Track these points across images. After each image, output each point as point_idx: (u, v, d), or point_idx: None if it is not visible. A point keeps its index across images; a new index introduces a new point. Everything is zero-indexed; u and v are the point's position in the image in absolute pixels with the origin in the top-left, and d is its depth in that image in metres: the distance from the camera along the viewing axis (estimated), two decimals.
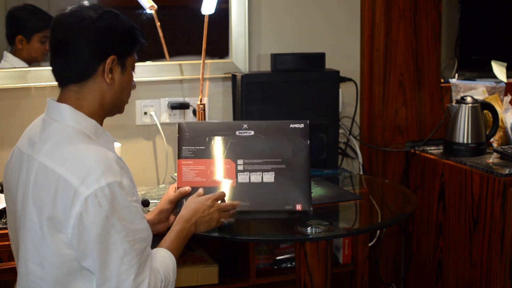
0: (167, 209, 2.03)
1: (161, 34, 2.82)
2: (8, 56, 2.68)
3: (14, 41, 2.69)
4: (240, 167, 2.04)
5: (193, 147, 2.05)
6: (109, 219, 1.59)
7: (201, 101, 2.79)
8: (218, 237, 2.11)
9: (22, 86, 2.67)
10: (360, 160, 3.14)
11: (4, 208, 2.32)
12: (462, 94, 3.03)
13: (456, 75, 3.25)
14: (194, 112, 2.87)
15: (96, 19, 1.69)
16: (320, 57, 2.89)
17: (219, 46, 2.94)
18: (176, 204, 2.04)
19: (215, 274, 2.69)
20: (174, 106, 2.88)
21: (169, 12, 2.88)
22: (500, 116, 2.97)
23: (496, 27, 3.34)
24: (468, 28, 3.25)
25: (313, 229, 2.02)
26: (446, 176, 2.91)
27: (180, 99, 2.91)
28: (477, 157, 2.87)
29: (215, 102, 2.95)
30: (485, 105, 2.94)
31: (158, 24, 2.81)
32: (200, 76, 2.79)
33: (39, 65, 2.69)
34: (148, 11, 2.79)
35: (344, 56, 3.12)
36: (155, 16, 2.80)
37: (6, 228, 2.22)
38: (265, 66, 2.97)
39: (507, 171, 2.67)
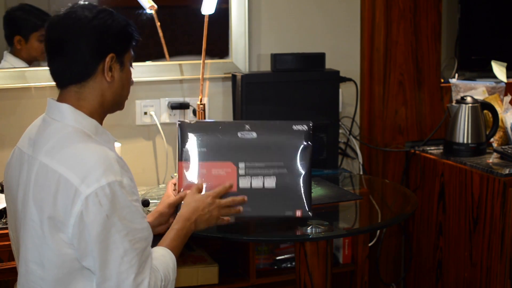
0: (167, 212, 2.01)
1: (161, 34, 2.83)
2: (8, 57, 2.68)
3: (13, 41, 2.69)
4: (241, 171, 2.00)
5: (194, 149, 2.01)
6: (110, 218, 1.59)
7: (201, 101, 2.79)
8: (218, 237, 2.11)
9: (22, 86, 2.67)
10: (360, 160, 3.14)
11: (4, 208, 2.33)
12: (462, 94, 3.03)
13: (456, 75, 3.25)
14: (194, 112, 2.87)
15: (92, 18, 1.69)
16: (320, 57, 2.89)
17: (219, 46, 2.94)
18: (176, 207, 2.03)
19: (215, 274, 2.69)
20: (174, 106, 2.88)
21: (169, 12, 2.88)
22: (500, 116, 2.97)
23: (496, 27, 3.34)
24: (468, 28, 3.25)
25: (313, 229, 2.02)
26: (446, 176, 2.91)
27: (180, 99, 2.91)
28: (477, 157, 2.87)
29: (215, 102, 2.95)
30: (485, 105, 2.94)
31: (158, 24, 2.81)
32: (200, 76, 2.79)
33: (39, 65, 2.69)
34: (148, 11, 2.79)
35: (344, 56, 3.12)
36: (155, 16, 2.80)
37: (6, 228, 2.23)
38: (265, 66, 2.97)
39: (507, 171, 2.67)
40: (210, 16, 2.73)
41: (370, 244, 3.04)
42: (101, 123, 1.76)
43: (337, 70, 2.92)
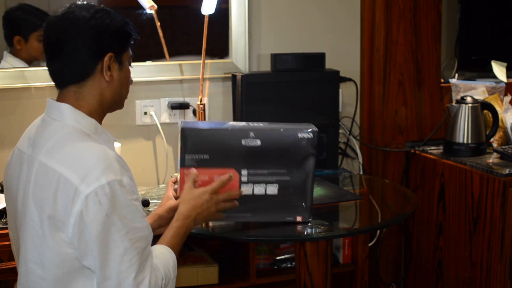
0: (166, 216, 1.98)
1: (161, 34, 2.83)
2: (7, 57, 2.68)
3: (12, 42, 2.69)
4: (244, 178, 1.96)
5: (196, 156, 1.94)
6: (110, 217, 1.59)
7: (201, 101, 2.79)
8: (218, 237, 2.11)
9: (22, 86, 2.67)
10: (360, 160, 3.14)
11: (4, 208, 2.33)
12: (462, 94, 3.03)
13: (456, 75, 3.25)
14: (194, 112, 2.87)
15: (90, 18, 1.70)
16: (320, 57, 2.89)
17: (219, 46, 2.94)
18: None
19: (215, 274, 2.69)
20: (174, 106, 2.88)
21: (169, 12, 2.88)
22: (500, 116, 2.97)
23: (496, 27, 3.34)
24: (468, 28, 3.25)
25: (313, 229, 2.02)
26: (446, 176, 2.91)
27: (180, 99, 2.91)
28: (477, 157, 2.87)
29: (215, 102, 2.95)
30: (485, 105, 2.94)
31: (158, 24, 2.81)
32: (200, 76, 2.79)
33: (39, 65, 2.69)
34: (148, 11, 2.79)
35: (344, 56, 3.12)
36: (155, 16, 2.80)
37: (6, 228, 2.23)
38: (265, 66, 2.97)
39: (507, 171, 2.67)
40: (210, 16, 2.73)
41: (370, 244, 3.04)
42: (100, 122, 1.76)
43: (337, 70, 2.92)
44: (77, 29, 1.69)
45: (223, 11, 2.88)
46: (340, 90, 3.03)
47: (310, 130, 1.98)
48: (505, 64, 3.19)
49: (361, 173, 3.12)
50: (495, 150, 2.94)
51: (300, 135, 1.97)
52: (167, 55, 2.87)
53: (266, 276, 2.82)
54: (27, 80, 2.66)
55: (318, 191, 2.42)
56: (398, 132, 3.16)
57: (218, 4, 2.74)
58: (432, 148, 3.07)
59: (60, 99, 1.74)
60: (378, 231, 3.13)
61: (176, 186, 2.04)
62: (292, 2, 3.02)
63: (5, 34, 2.68)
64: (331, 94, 2.90)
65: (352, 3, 3.11)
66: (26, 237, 1.68)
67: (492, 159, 2.86)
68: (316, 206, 2.08)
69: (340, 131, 3.04)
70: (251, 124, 1.99)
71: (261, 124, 1.99)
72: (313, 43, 3.05)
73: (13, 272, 1.90)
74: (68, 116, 1.70)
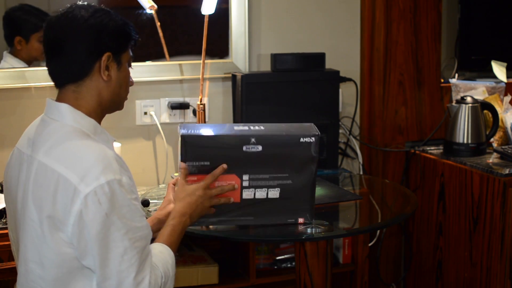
0: (165, 221, 1.93)
1: (161, 34, 2.83)
2: (7, 57, 2.68)
3: (13, 42, 2.69)
4: (245, 183, 1.94)
5: (197, 163, 1.90)
6: (109, 217, 1.59)
7: (201, 101, 2.79)
8: (218, 237, 2.10)
9: (22, 86, 2.67)
10: (360, 160, 3.14)
11: (4, 208, 2.33)
12: (462, 94, 3.03)
13: (456, 75, 3.25)
14: (194, 112, 2.87)
15: (88, 17, 1.70)
16: (320, 57, 2.89)
17: (219, 46, 2.94)
18: None
19: (215, 274, 2.69)
20: (174, 106, 2.88)
21: (169, 12, 2.88)
22: (500, 116, 2.97)
23: (496, 27, 3.34)
24: (468, 28, 3.25)
25: (313, 229, 2.02)
26: (446, 176, 2.91)
27: (180, 99, 2.91)
28: (477, 157, 2.87)
29: (215, 102, 2.95)
30: (485, 105, 2.94)
31: (158, 24, 2.81)
32: (200, 76, 2.79)
33: (39, 65, 2.69)
34: (148, 11, 2.79)
35: (344, 56, 3.12)
36: (155, 16, 2.80)
37: (6, 228, 2.23)
38: (265, 66, 2.97)
39: (507, 171, 2.67)
40: (210, 16, 2.73)
41: (370, 244, 3.04)
42: (99, 123, 1.76)
43: (337, 70, 2.92)
44: (75, 28, 1.69)
45: (223, 11, 2.88)
46: (340, 90, 3.03)
47: (312, 134, 1.94)
48: (505, 64, 3.19)
49: (361, 173, 3.12)
50: (495, 150, 2.94)
51: (302, 139, 1.94)
52: (167, 55, 2.87)
53: (266, 276, 2.82)
54: (27, 80, 2.66)
55: (318, 191, 2.41)
56: (398, 132, 3.16)
57: (218, 4, 2.74)
58: (432, 148, 3.07)
59: (59, 99, 1.74)
60: (378, 231, 3.13)
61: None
62: (292, 2, 3.02)
63: (6, 34, 2.68)
64: (331, 94, 2.90)
65: (352, 3, 3.11)
66: (25, 237, 1.68)
67: (492, 159, 2.86)
68: (316, 206, 2.08)
69: (340, 131, 3.04)
70: (251, 127, 1.94)
71: (262, 128, 1.95)
72: (313, 43, 3.05)
73: (13, 272, 1.90)
74: (67, 116, 1.70)
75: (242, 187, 1.95)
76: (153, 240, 1.79)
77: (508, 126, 2.99)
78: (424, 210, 3.05)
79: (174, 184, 2.03)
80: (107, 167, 1.61)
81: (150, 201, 2.38)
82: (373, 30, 3.10)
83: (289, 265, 2.90)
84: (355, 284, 2.96)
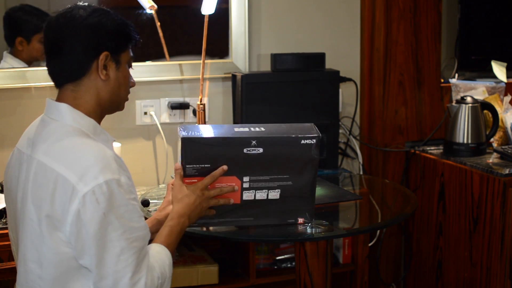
0: (165, 222, 1.93)
1: (161, 34, 2.83)
2: (7, 57, 2.68)
3: (14, 42, 2.69)
4: (245, 185, 1.93)
5: (197, 165, 1.89)
6: (107, 216, 1.59)
7: (201, 101, 2.79)
8: (218, 237, 2.10)
9: (22, 86, 2.67)
10: (360, 160, 3.14)
11: (4, 208, 2.33)
12: (462, 94, 3.03)
13: (456, 75, 3.25)
14: (194, 112, 2.87)
15: (86, 17, 1.70)
16: (320, 57, 2.89)
17: (219, 46, 2.94)
18: None
19: (215, 274, 2.69)
20: (174, 106, 2.88)
21: (169, 12, 2.88)
22: (500, 116, 2.97)
23: (496, 27, 3.34)
24: (468, 28, 3.25)
25: (313, 229, 2.02)
26: (446, 176, 2.91)
27: (180, 99, 2.91)
28: (477, 157, 2.87)
29: (215, 102, 2.95)
30: (485, 105, 2.94)
31: (158, 24, 2.81)
32: (200, 76, 2.79)
33: (39, 65, 2.69)
34: (148, 11, 2.79)
35: (344, 56, 3.12)
36: (155, 16, 2.80)
37: (6, 228, 2.23)
38: (265, 66, 2.97)
39: (507, 171, 2.67)
40: (210, 16, 2.73)
41: (370, 244, 3.04)
42: (99, 123, 1.76)
43: (337, 70, 2.92)
44: (72, 27, 1.69)
45: (223, 11, 2.88)
46: (340, 90, 3.03)
47: (312, 136, 1.93)
48: (505, 64, 3.19)
49: (361, 173, 3.12)
50: (495, 150, 2.94)
51: (303, 141, 1.93)
52: (167, 55, 2.87)
53: (266, 276, 2.82)
54: (27, 80, 2.66)
55: (318, 191, 2.41)
56: (398, 132, 3.16)
57: (218, 4, 2.74)
58: (432, 148, 3.07)
59: (58, 99, 1.74)
60: (378, 231, 3.13)
61: None
62: (292, 2, 3.02)
63: (7, 35, 2.67)
64: (331, 94, 2.90)
65: (352, 3, 3.11)
66: (25, 236, 1.68)
67: (492, 159, 2.86)
68: (316, 206, 2.08)
69: (340, 131, 3.03)
70: (252, 129, 1.93)
71: (262, 129, 1.93)
72: (313, 43, 3.05)
73: (13, 272, 1.90)
74: (67, 116, 1.70)
75: (243, 189, 1.94)
76: (151, 241, 1.79)
77: (508, 126, 2.99)
78: (424, 210, 3.05)
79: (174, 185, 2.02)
80: (106, 167, 1.61)
81: (150, 201, 2.38)
82: (373, 30, 3.10)
83: (289, 265, 2.90)
84: (355, 284, 2.96)
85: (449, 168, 2.90)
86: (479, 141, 2.90)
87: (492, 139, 3.00)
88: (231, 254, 2.86)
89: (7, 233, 1.89)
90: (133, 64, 1.85)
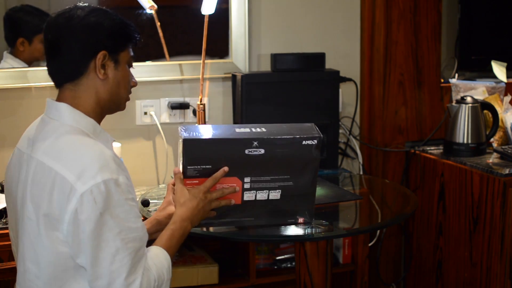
0: (165, 222, 1.93)
1: (161, 34, 2.83)
2: (7, 57, 2.68)
3: (15, 43, 2.69)
4: (246, 185, 1.93)
5: (199, 166, 1.88)
6: (103, 216, 1.59)
7: (201, 101, 2.79)
8: (218, 237, 2.10)
9: (22, 86, 2.67)
10: (360, 160, 3.14)
11: (4, 208, 2.33)
12: (462, 94, 3.03)
13: (456, 75, 3.25)
14: (194, 112, 2.87)
15: (83, 17, 1.70)
16: (320, 57, 2.89)
17: (219, 46, 2.94)
18: None
19: (215, 274, 2.69)
20: (174, 106, 2.88)
21: (169, 12, 2.88)
22: (500, 116, 2.97)
23: (496, 27, 3.34)
24: (468, 28, 3.25)
25: (313, 229, 2.02)
26: (446, 176, 2.91)
27: (180, 99, 2.91)
28: (477, 157, 2.87)
29: (215, 102, 2.95)
30: (485, 105, 2.94)
31: (158, 24, 2.81)
32: (200, 76, 2.79)
33: (39, 65, 2.69)
34: (148, 11, 2.79)
35: (344, 56, 3.12)
36: (155, 16, 2.80)
37: (6, 228, 2.23)
38: (265, 66, 2.97)
39: (507, 171, 2.67)
40: (210, 16, 2.73)
41: (370, 244, 3.04)
42: (99, 123, 1.76)
43: (337, 70, 2.92)
44: (70, 27, 1.69)
45: (223, 11, 2.88)
46: (340, 90, 3.03)
47: (314, 136, 1.93)
48: (505, 64, 3.19)
49: (361, 173, 3.12)
50: (495, 150, 2.94)
51: (304, 142, 1.92)
52: (167, 55, 2.87)
53: (266, 276, 2.82)
54: (28, 80, 2.66)
55: (318, 191, 2.41)
56: (398, 132, 3.16)
57: (218, 4, 2.74)
58: (432, 148, 3.07)
59: (58, 99, 1.74)
60: (378, 231, 3.13)
61: None
62: (292, 2, 3.02)
63: (8, 35, 2.67)
64: (331, 94, 2.90)
65: (352, 3, 3.11)
66: (24, 235, 1.68)
67: (492, 159, 2.86)
68: (316, 206, 2.08)
69: (340, 131, 3.04)
70: (253, 129, 1.92)
71: (263, 130, 1.92)
72: (313, 43, 3.05)
73: (13, 272, 1.90)
74: (67, 116, 1.71)
75: (244, 189, 1.94)
76: (152, 242, 1.79)
77: (508, 126, 2.99)
78: (424, 210, 3.05)
79: (174, 185, 2.01)
80: (104, 166, 1.61)
81: (150, 201, 2.38)
82: (373, 30, 3.10)
83: (289, 265, 2.90)
84: (355, 284, 2.97)
85: (449, 168, 2.90)
86: (479, 141, 2.90)
87: (492, 139, 3.00)
88: (231, 254, 2.86)
89: (7, 233, 1.89)
90: (133, 64, 1.85)
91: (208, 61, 2.87)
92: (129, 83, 1.81)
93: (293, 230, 2.04)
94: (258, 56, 2.98)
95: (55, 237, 1.62)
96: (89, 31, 1.70)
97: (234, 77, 2.84)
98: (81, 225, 1.59)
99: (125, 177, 1.66)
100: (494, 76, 3.16)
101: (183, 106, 2.89)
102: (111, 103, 1.78)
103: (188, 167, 1.87)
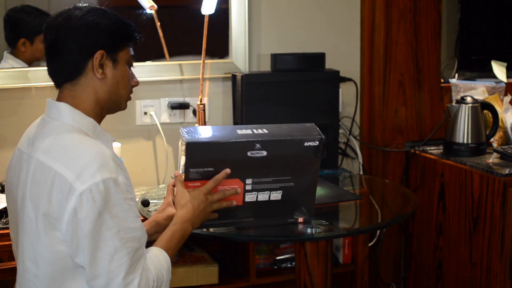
0: (164, 224, 1.93)
1: (161, 34, 2.83)
2: (8, 57, 2.68)
3: (16, 44, 2.68)
4: (248, 187, 1.93)
5: (201, 169, 1.87)
6: (101, 215, 1.59)
7: (201, 101, 2.79)
8: (218, 237, 2.10)
9: (23, 86, 2.67)
10: (360, 160, 3.14)
11: (4, 208, 2.33)
12: (462, 94, 3.03)
13: (456, 75, 3.25)
14: (194, 112, 2.87)
15: (81, 17, 1.71)
16: (320, 57, 2.89)
17: (219, 46, 2.94)
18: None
19: (215, 274, 2.69)
20: (174, 106, 2.88)
21: (169, 12, 2.88)
22: (500, 116, 2.97)
23: (496, 27, 3.35)
24: (468, 28, 3.25)
25: (313, 229, 2.02)
26: (446, 176, 2.91)
27: (180, 99, 2.91)
28: (477, 157, 2.87)
29: (215, 102, 2.95)
30: (485, 105, 2.94)
31: (158, 24, 2.81)
32: (200, 76, 2.79)
33: (39, 65, 2.69)
34: (148, 11, 2.80)
35: (344, 56, 3.12)
36: (155, 16, 2.80)
37: (6, 228, 2.23)
38: (265, 66, 2.97)
39: (507, 171, 2.67)
40: (210, 16, 2.73)
41: (370, 244, 3.04)
42: (99, 122, 1.76)
43: (337, 70, 2.92)
44: (68, 27, 1.70)
45: (223, 11, 2.88)
46: (340, 90, 3.03)
47: (316, 138, 1.92)
48: (505, 64, 3.19)
49: (361, 173, 3.12)
50: (495, 150, 2.94)
51: (306, 144, 1.92)
52: (167, 55, 2.87)
53: (266, 276, 2.82)
54: (28, 80, 2.66)
55: (318, 191, 2.40)
56: (398, 132, 3.16)
57: (218, 4, 2.74)
58: (432, 148, 3.07)
59: (58, 98, 1.75)
60: (378, 231, 3.13)
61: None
62: (292, 2, 3.02)
63: (9, 36, 2.67)
64: (331, 94, 2.90)
65: (352, 3, 3.11)
66: (23, 235, 1.68)
67: (492, 159, 2.86)
68: (316, 206, 2.08)
69: (340, 131, 3.04)
70: (255, 131, 1.91)
71: (265, 131, 1.91)
72: (313, 43, 3.05)
73: (13, 272, 1.90)
74: (67, 115, 1.71)
75: (245, 191, 1.93)
76: (151, 243, 1.79)
77: (508, 126, 2.99)
78: (424, 210, 3.05)
79: (174, 186, 1.98)
80: (104, 166, 1.61)
81: (150, 201, 2.38)
82: (373, 30, 3.10)
83: (289, 265, 2.90)
84: (355, 284, 2.96)
85: (449, 168, 2.90)
86: (479, 141, 2.90)
87: (492, 139, 3.00)
88: (231, 254, 2.86)
89: (7, 233, 1.89)
90: (133, 64, 1.85)
91: (208, 61, 2.87)
92: (129, 82, 1.81)
93: (293, 230, 2.04)
94: (258, 56, 2.98)
95: (54, 236, 1.62)
96: (86, 31, 1.70)
97: (234, 77, 2.84)
98: (79, 224, 1.59)
99: (125, 177, 1.66)
100: (494, 76, 3.16)
101: (183, 106, 2.89)
102: (111, 103, 1.78)
103: (191, 169, 1.86)
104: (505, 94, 3.11)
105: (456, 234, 2.88)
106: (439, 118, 3.16)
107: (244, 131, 1.90)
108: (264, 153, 1.88)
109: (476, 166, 2.77)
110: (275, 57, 2.83)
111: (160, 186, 2.80)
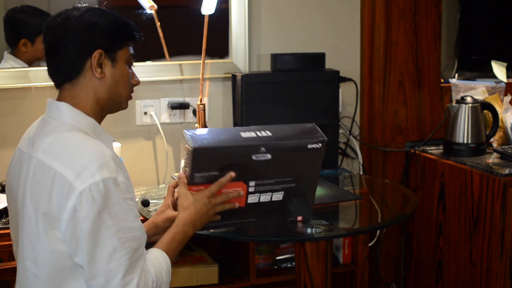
0: (163, 226, 1.93)
1: (161, 34, 2.83)
2: (8, 58, 2.68)
3: (17, 44, 2.68)
4: (251, 189, 1.93)
5: (206, 173, 1.87)
6: (101, 215, 1.59)
7: (201, 101, 2.79)
8: (218, 237, 2.10)
9: (23, 86, 2.67)
10: (360, 160, 3.14)
11: (4, 208, 2.33)
12: (462, 94, 3.03)
13: (456, 75, 3.25)
14: (194, 112, 2.87)
15: (78, 17, 1.71)
16: (320, 57, 2.89)
17: (219, 46, 2.94)
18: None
19: (215, 274, 2.69)
20: (174, 106, 2.88)
21: (169, 12, 2.88)
22: (500, 116, 2.97)
23: (496, 27, 3.35)
24: (468, 28, 3.25)
25: (313, 229, 2.02)
26: (446, 176, 2.91)
27: (180, 99, 2.91)
28: (477, 157, 2.87)
29: (215, 102, 2.95)
30: (485, 105, 2.94)
31: (158, 24, 2.81)
32: (200, 76, 2.79)
33: (39, 65, 2.69)
34: (148, 11, 2.80)
35: (344, 56, 3.12)
36: (155, 16, 2.80)
37: (6, 228, 2.23)
38: (265, 66, 2.97)
39: (507, 171, 2.67)
40: (210, 16, 2.73)
41: (370, 244, 3.04)
42: (100, 122, 1.76)
43: (337, 70, 2.92)
44: (66, 27, 1.70)
45: (223, 11, 2.88)
46: (340, 90, 3.03)
47: (319, 140, 1.93)
48: (505, 64, 3.19)
49: (361, 173, 3.12)
50: (495, 150, 2.94)
51: (309, 146, 1.93)
52: (167, 55, 2.87)
53: (266, 276, 2.82)
54: (28, 80, 2.66)
55: (318, 191, 2.41)
56: (398, 132, 3.16)
57: (218, 4, 2.74)
58: (432, 148, 3.08)
59: (58, 98, 1.75)
60: (378, 231, 3.13)
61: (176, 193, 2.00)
62: (292, 2, 3.02)
63: (9, 36, 2.67)
64: (331, 94, 2.90)
65: (352, 3, 3.11)
66: (23, 234, 1.69)
67: (492, 159, 2.86)
68: (316, 206, 2.08)
69: (340, 131, 3.04)
70: (258, 133, 1.90)
71: (269, 133, 1.91)
72: (313, 43, 3.05)
73: (13, 272, 1.90)
74: (67, 115, 1.71)
75: (248, 193, 1.93)
76: (151, 245, 1.79)
77: (508, 126, 2.99)
78: (424, 210, 3.05)
79: (174, 187, 1.98)
80: (104, 165, 1.61)
81: (150, 201, 2.38)
82: (373, 30, 3.10)
83: (289, 265, 2.90)
84: (355, 284, 2.96)
85: (449, 168, 2.90)
86: (479, 141, 2.90)
87: (492, 139, 3.00)
88: (231, 254, 2.86)
89: (7, 233, 1.89)
90: (134, 63, 1.85)
91: (208, 61, 2.88)
92: (129, 81, 1.80)
93: (293, 230, 2.04)
94: (258, 56, 2.98)
95: (54, 235, 1.62)
96: (84, 30, 1.70)
97: (234, 77, 2.84)
98: (79, 223, 1.59)
99: (124, 177, 1.66)
100: (494, 76, 3.16)
101: (183, 106, 2.89)
102: (111, 102, 1.78)
103: (196, 174, 1.86)
104: (505, 94, 3.11)
105: (456, 234, 2.88)
106: (439, 118, 3.16)
107: (248, 134, 1.90)
108: (269, 156, 1.89)
109: (476, 166, 2.77)
110: (275, 57, 2.83)
111: (160, 186, 2.80)
